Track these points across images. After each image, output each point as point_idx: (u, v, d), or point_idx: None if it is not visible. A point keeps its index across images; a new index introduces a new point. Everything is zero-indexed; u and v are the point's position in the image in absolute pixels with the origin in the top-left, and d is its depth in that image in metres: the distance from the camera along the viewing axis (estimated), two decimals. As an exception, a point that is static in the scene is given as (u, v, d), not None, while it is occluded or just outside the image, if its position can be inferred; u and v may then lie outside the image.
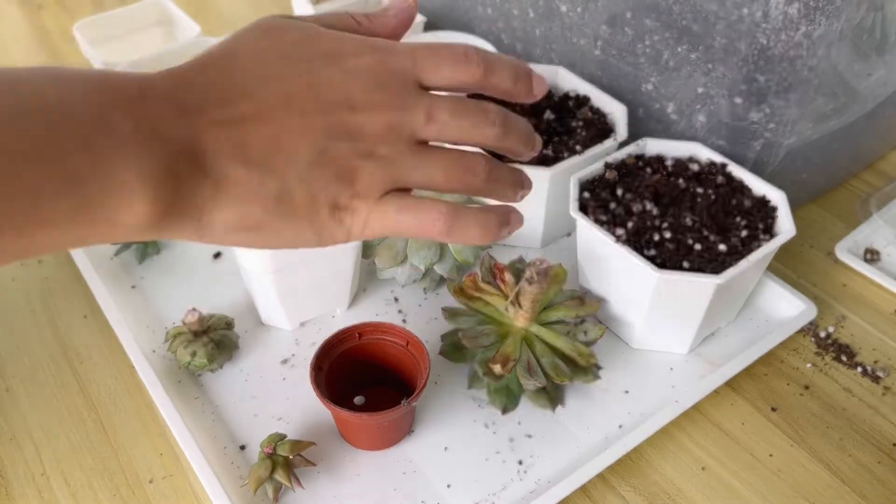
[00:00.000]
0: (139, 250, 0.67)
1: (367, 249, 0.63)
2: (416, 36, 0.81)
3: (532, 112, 0.68)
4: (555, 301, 0.57)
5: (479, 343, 0.53)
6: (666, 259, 0.54)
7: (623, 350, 0.60)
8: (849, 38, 0.58)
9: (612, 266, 0.56)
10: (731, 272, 0.52)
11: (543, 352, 0.54)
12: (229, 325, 0.60)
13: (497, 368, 0.51)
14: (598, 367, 0.55)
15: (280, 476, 0.49)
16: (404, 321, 0.62)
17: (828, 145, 0.68)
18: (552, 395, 0.54)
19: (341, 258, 0.58)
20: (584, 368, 0.54)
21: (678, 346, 0.59)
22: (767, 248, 0.54)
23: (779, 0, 0.54)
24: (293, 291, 0.58)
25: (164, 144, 0.30)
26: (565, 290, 0.58)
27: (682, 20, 0.61)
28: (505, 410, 0.54)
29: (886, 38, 0.61)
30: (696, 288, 0.53)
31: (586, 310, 0.56)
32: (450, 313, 0.56)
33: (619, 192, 0.60)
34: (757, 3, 0.55)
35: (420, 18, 0.84)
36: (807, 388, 0.58)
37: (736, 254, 0.54)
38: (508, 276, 0.56)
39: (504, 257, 0.67)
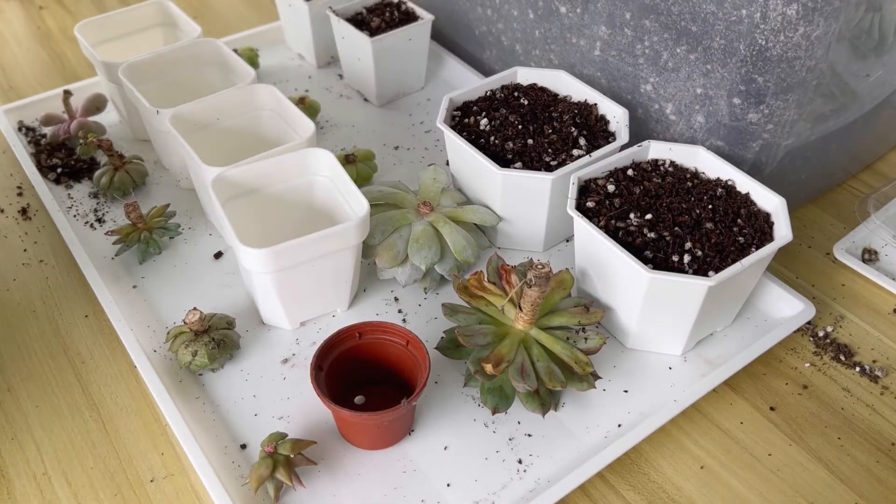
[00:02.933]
0: (140, 250, 0.67)
1: (368, 249, 0.63)
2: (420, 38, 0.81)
3: (536, 118, 0.68)
4: (559, 307, 0.57)
5: (475, 342, 0.53)
6: (660, 260, 0.54)
7: (622, 350, 0.60)
8: (847, 39, 0.58)
9: (606, 265, 0.56)
10: (722, 275, 0.52)
11: (540, 356, 0.54)
12: (230, 324, 0.60)
13: (488, 368, 0.51)
14: (596, 377, 0.55)
15: (281, 475, 0.49)
16: (404, 321, 0.62)
17: (826, 146, 0.68)
18: (544, 400, 0.54)
19: (341, 258, 0.58)
20: (580, 376, 0.54)
21: (671, 347, 0.59)
22: (762, 254, 0.54)
23: (777, 1, 0.54)
24: (294, 291, 0.58)
25: None
26: (572, 297, 0.58)
27: (681, 21, 0.61)
28: (496, 411, 0.54)
29: (885, 38, 0.62)
30: (688, 289, 0.53)
31: (590, 318, 0.56)
32: (449, 309, 0.56)
33: (618, 194, 0.60)
34: (755, 5, 0.55)
35: (428, 17, 0.84)
36: (805, 387, 0.59)
37: (731, 258, 0.54)
38: (514, 278, 0.56)
39: (511, 259, 0.68)
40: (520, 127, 0.67)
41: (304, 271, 0.57)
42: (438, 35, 0.93)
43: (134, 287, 0.66)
